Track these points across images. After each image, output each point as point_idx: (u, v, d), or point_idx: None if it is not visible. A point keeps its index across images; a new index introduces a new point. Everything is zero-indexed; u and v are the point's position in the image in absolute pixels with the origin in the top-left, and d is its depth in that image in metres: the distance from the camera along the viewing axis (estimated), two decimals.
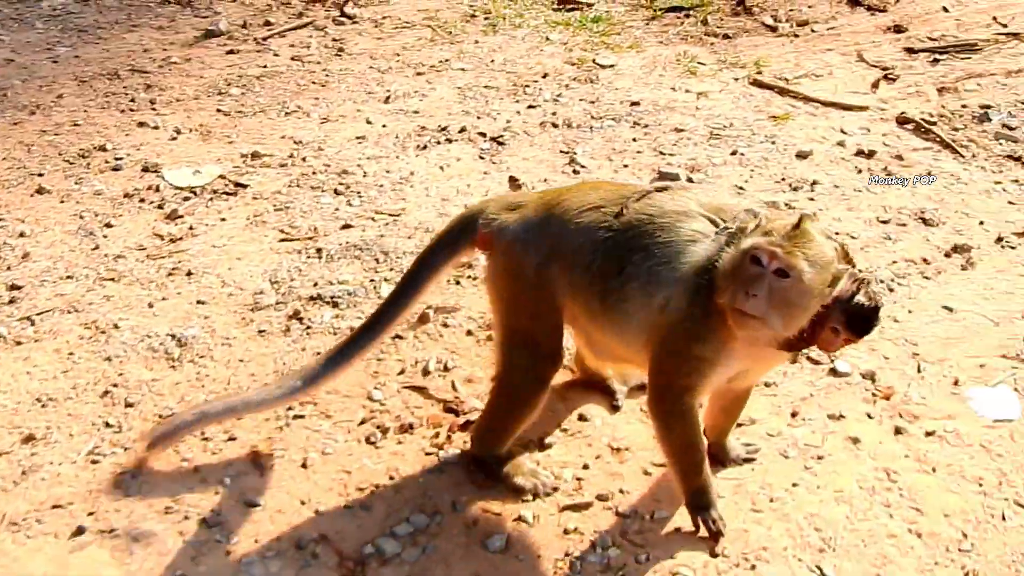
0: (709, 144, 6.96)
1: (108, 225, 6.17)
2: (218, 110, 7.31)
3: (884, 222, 6.26)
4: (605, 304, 4.19)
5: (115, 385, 5.00)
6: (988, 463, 4.71)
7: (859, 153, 6.96)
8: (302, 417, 4.85)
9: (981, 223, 6.30)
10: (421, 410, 4.92)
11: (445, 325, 5.40)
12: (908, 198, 6.49)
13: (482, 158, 6.77)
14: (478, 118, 7.21)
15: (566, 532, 4.34)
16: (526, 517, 4.38)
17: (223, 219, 6.16)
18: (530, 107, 7.40)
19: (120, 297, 5.58)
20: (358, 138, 6.98)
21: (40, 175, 6.65)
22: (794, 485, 4.57)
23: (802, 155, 6.88)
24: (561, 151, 6.85)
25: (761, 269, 3.72)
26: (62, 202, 6.39)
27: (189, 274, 5.73)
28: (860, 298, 3.77)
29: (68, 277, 5.73)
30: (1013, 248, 6.09)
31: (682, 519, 4.38)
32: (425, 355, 5.22)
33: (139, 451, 4.61)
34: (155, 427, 4.63)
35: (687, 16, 8.87)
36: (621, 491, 4.54)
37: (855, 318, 3.80)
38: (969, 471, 4.67)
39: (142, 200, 6.38)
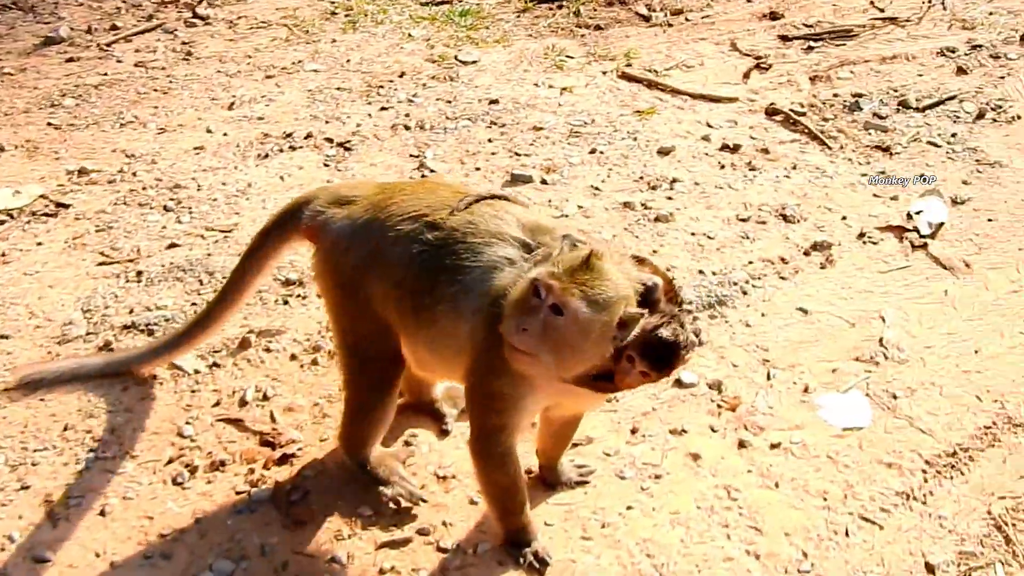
0: (568, 143, 6.75)
1: None
2: (48, 124, 6.94)
3: (743, 220, 6.10)
4: (419, 321, 3.98)
5: None
6: (834, 475, 4.56)
7: (724, 148, 6.80)
8: (104, 459, 4.55)
9: (844, 218, 6.16)
10: (235, 445, 4.65)
11: (267, 350, 5.12)
12: (770, 194, 6.34)
13: (327, 165, 6.49)
14: (326, 122, 6.93)
15: (382, 572, 4.10)
16: (339, 558, 4.15)
17: (39, 243, 5.82)
18: (383, 109, 7.14)
19: None
20: (196, 149, 6.66)
21: None
22: (628, 508, 4.39)
23: (664, 151, 6.70)
24: (411, 155, 6.60)
25: (540, 302, 3.51)
26: None
27: None
28: (663, 332, 3.56)
29: None
30: (875, 244, 5.96)
31: (506, 552, 4.17)
32: (244, 384, 4.95)
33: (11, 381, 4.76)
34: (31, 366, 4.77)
35: (559, 7, 8.65)
36: (444, 523, 4.33)
37: (653, 355, 3.58)
38: (813, 485, 4.52)
39: None
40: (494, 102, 7.19)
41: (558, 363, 3.56)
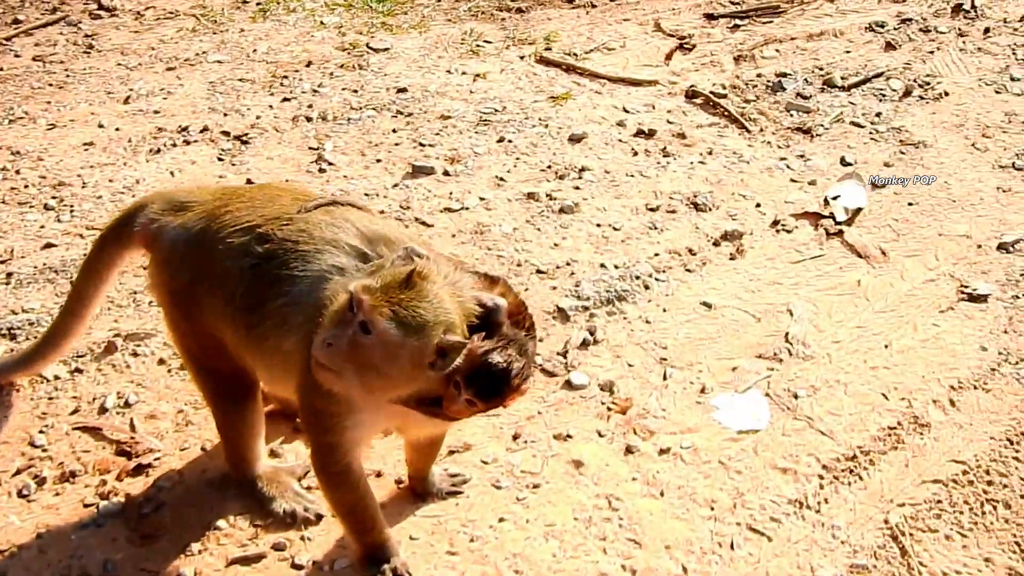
0: (476, 131, 6.51)
1: None
2: None
3: (653, 210, 5.87)
4: (250, 338, 3.73)
5: None
6: (724, 482, 4.34)
7: (639, 133, 6.56)
8: None
9: (758, 205, 5.94)
10: (89, 455, 4.41)
11: (134, 354, 4.88)
12: (683, 181, 6.11)
13: (221, 159, 6.25)
14: (225, 115, 6.68)
15: None
16: (185, 575, 3.91)
17: None
18: (285, 100, 6.88)
19: None
20: (85, 144, 6.40)
21: None
22: (501, 520, 4.16)
23: (575, 139, 6.47)
24: (310, 147, 6.35)
25: (353, 316, 3.26)
26: None
27: None
28: (493, 358, 3.32)
29: None
30: (789, 232, 5.74)
31: (364, 569, 3.95)
32: (106, 390, 4.70)
33: None
34: None
35: None
36: (303, 538, 4.09)
37: (480, 384, 3.32)
38: (701, 493, 4.29)
39: None
40: (402, 91, 6.94)
41: (364, 384, 3.31)
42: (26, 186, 6.03)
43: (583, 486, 4.32)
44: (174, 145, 6.37)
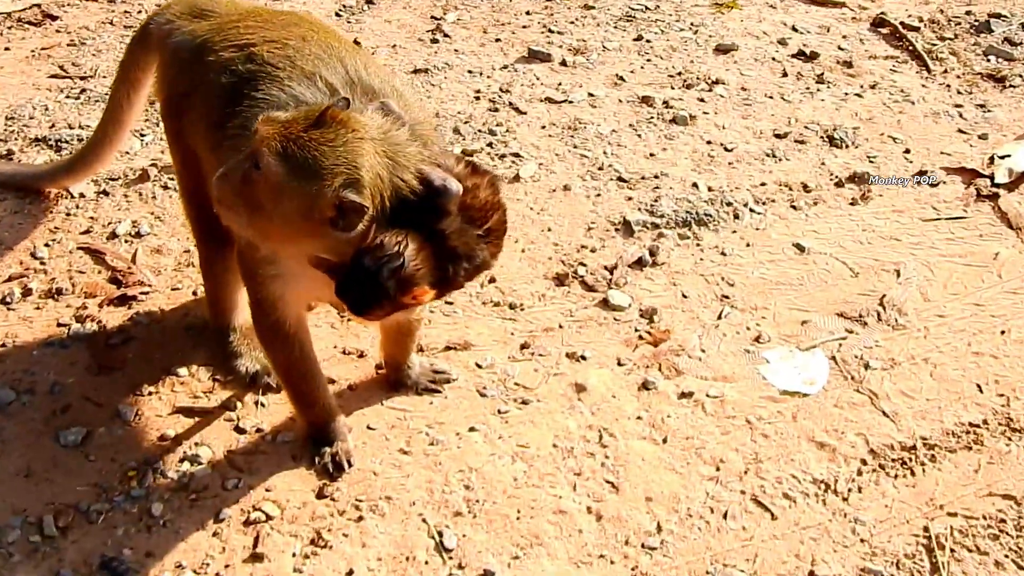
0: (615, 26, 5.95)
1: None
2: None
3: (779, 136, 5.16)
4: (211, 161, 3.45)
5: None
6: (743, 443, 3.73)
7: (799, 54, 5.81)
8: None
9: (907, 151, 5.10)
10: (83, 276, 4.30)
11: (164, 187, 4.73)
12: (828, 112, 5.34)
13: (339, 15, 6.01)
14: None
15: (162, 439, 3.65)
16: (125, 414, 3.73)
17: (7, 48, 5.67)
18: None
19: None
20: None
21: None
22: (471, 430, 3.74)
23: (723, 49, 5.80)
24: (433, 16, 6.00)
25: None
26: None
27: None
28: (366, 257, 2.85)
29: None
30: (933, 186, 4.90)
31: (306, 448, 3.64)
32: (123, 216, 4.58)
33: None
34: None
35: None
36: (257, 403, 3.84)
37: (346, 284, 2.91)
38: (711, 450, 3.70)
39: None
40: None
41: (257, 228, 2.98)
42: (139, 12, 6.03)
43: (577, 413, 3.81)
44: None
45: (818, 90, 5.52)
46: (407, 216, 2.94)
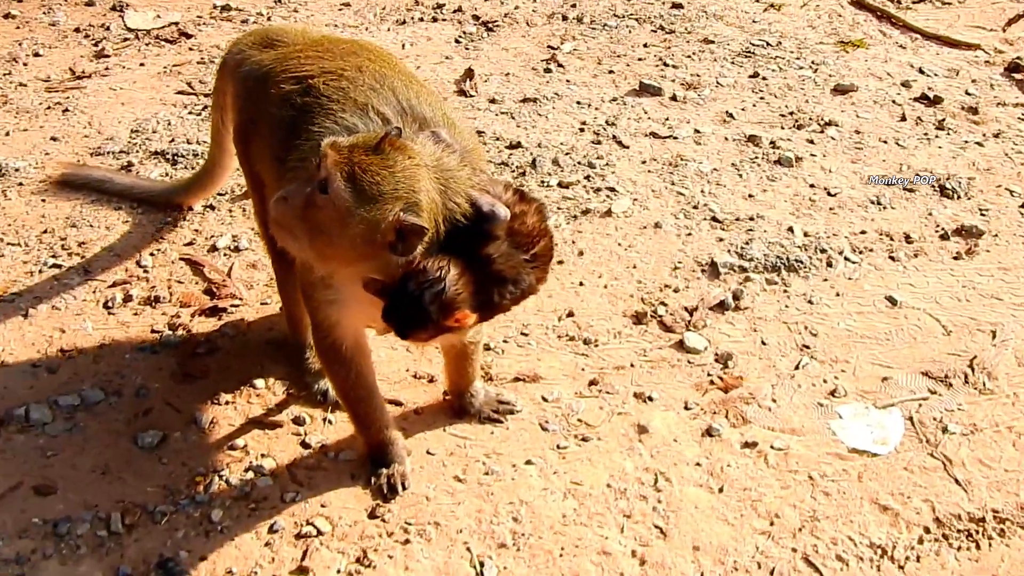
0: (733, 62, 5.96)
1: (36, 55, 6.27)
2: None
3: (888, 184, 5.06)
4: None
5: None
6: (802, 499, 3.69)
7: (922, 98, 5.68)
8: (59, 267, 4.67)
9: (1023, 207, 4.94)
10: (182, 286, 4.59)
11: None
12: (943, 160, 5.22)
13: (458, 41, 6.19)
14: (486, 0, 6.60)
15: (232, 448, 3.86)
16: (201, 421, 3.96)
17: (141, 64, 6.07)
18: None
19: None
20: (342, 5, 6.62)
21: (20, 1, 6.89)
22: (527, 463, 3.82)
23: (841, 90, 5.73)
24: (549, 46, 6.12)
25: (317, 173, 3.03)
26: (17, 28, 6.57)
27: (66, 111, 5.69)
28: (411, 280, 3.00)
29: None
30: None
31: (365, 468, 3.80)
32: (225, 231, 4.87)
33: (51, 175, 5.09)
34: (69, 166, 5.11)
35: None
36: (326, 420, 4.01)
37: (392, 303, 3.06)
38: (768, 503, 3.68)
39: (86, 36, 6.43)
40: (677, 6, 6.51)
41: (316, 251, 3.13)
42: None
43: (635, 454, 3.85)
44: (421, 20, 6.42)
45: (936, 136, 5.40)
46: (457, 241, 3.09)
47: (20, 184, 5.15)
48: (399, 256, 3.02)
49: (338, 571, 3.44)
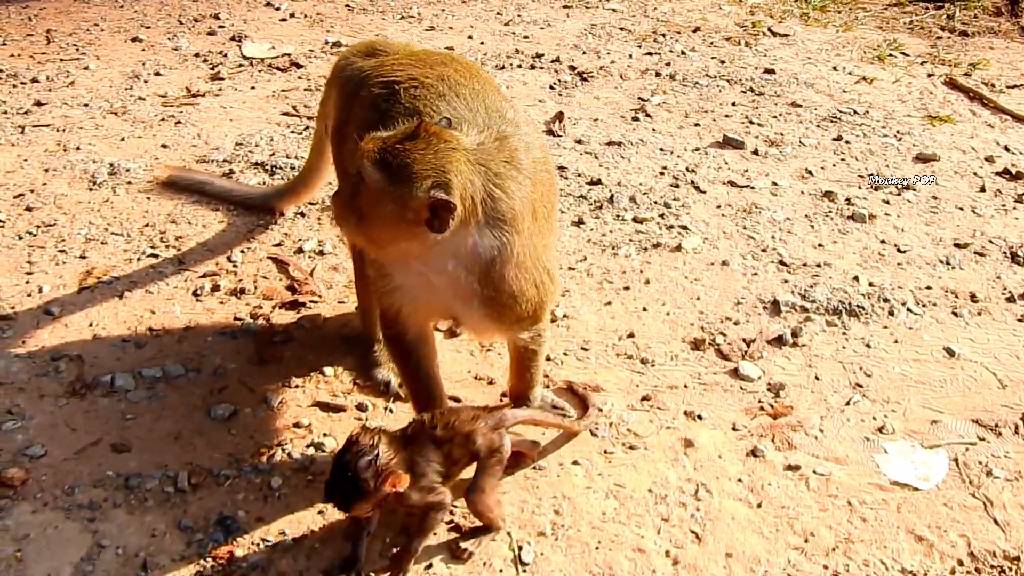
0: (818, 125, 6.24)
1: (157, 73, 6.85)
2: (347, 5, 7.76)
3: (960, 246, 5.26)
4: None
5: (31, 190, 5.59)
6: (839, 522, 3.86)
7: (1003, 172, 5.87)
8: (156, 257, 5.11)
9: None
10: (266, 282, 4.99)
11: None
12: (1018, 230, 5.39)
13: (552, 87, 6.60)
14: (583, 53, 7.02)
15: (297, 426, 4.20)
16: (271, 400, 4.30)
17: (252, 87, 6.59)
18: (647, 54, 7.07)
19: (108, 127, 6.20)
20: (448, 47, 7.09)
21: (147, 27, 7.53)
22: (574, 463, 4.06)
23: (923, 158, 5.96)
24: (640, 97, 6.49)
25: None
26: (143, 50, 7.19)
27: (178, 123, 6.22)
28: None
29: (84, 105, 6.47)
30: None
31: None
32: (311, 236, 5.27)
33: (158, 176, 5.57)
34: (175, 170, 5.59)
35: (938, 7, 7.90)
36: (387, 409, 4.32)
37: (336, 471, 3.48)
38: (805, 522, 3.86)
39: (204, 60, 7.00)
40: (769, 71, 6.83)
41: (368, 237, 3.44)
42: None
43: (679, 466, 4.07)
44: (519, 66, 6.84)
45: (1015, 208, 5.58)
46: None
47: (129, 183, 5.65)
48: (435, 233, 3.30)
49: (385, 540, 3.70)
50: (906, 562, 3.71)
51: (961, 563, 3.72)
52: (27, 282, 4.89)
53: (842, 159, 5.96)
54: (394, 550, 3.63)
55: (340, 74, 4.35)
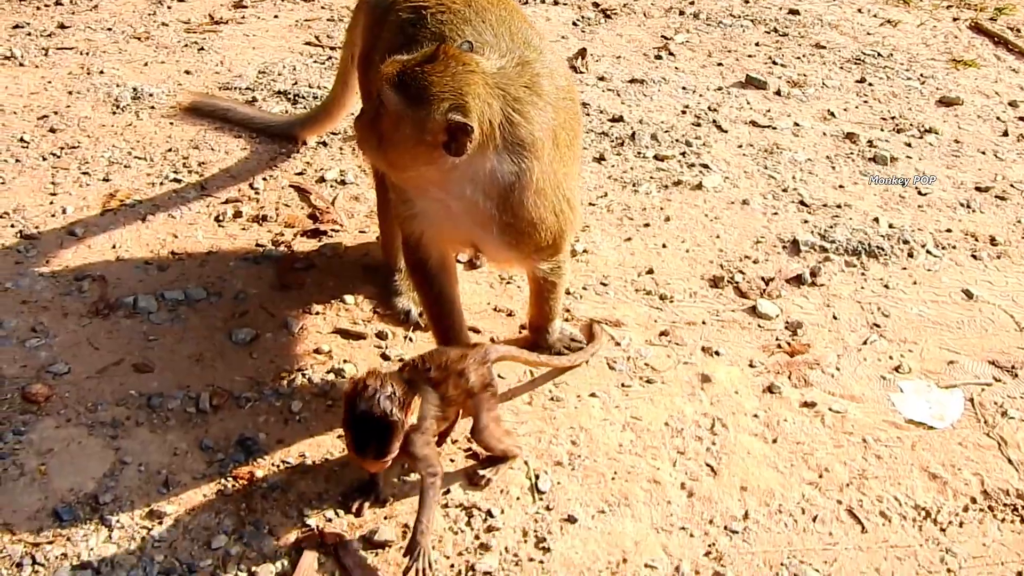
0: (841, 67, 6.15)
1: (181, 0, 6.78)
2: None
3: (981, 189, 5.21)
4: None
5: (55, 112, 5.55)
6: (853, 458, 3.85)
7: None
8: (178, 182, 5.08)
9: None
10: (288, 209, 4.96)
11: None
12: None
13: (575, 24, 6.51)
14: None
15: (317, 351, 4.19)
16: (291, 325, 4.29)
17: (276, 16, 6.51)
18: None
19: (131, 52, 6.14)
20: None
21: None
22: (591, 395, 4.06)
23: (946, 102, 5.88)
24: (663, 36, 6.40)
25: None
26: None
27: (201, 49, 6.16)
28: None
29: (108, 29, 6.40)
30: None
31: None
32: (333, 165, 5.23)
33: (181, 102, 5.52)
34: (198, 96, 5.57)
35: None
36: (407, 337, 4.31)
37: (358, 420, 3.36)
38: (819, 458, 3.85)
39: None
40: (794, 12, 6.73)
41: (388, 160, 3.42)
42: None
43: (696, 400, 4.06)
44: (542, 2, 6.75)
45: None
46: None
47: (152, 108, 5.61)
48: (453, 156, 3.27)
49: (403, 467, 3.70)
50: (920, 499, 3.71)
51: (974, 501, 3.72)
52: (51, 203, 4.87)
53: (864, 101, 5.88)
54: (410, 476, 3.64)
55: (365, 3, 4.29)
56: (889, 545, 3.55)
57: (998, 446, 3.93)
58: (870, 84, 6.04)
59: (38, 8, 6.71)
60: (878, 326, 4.43)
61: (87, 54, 6.15)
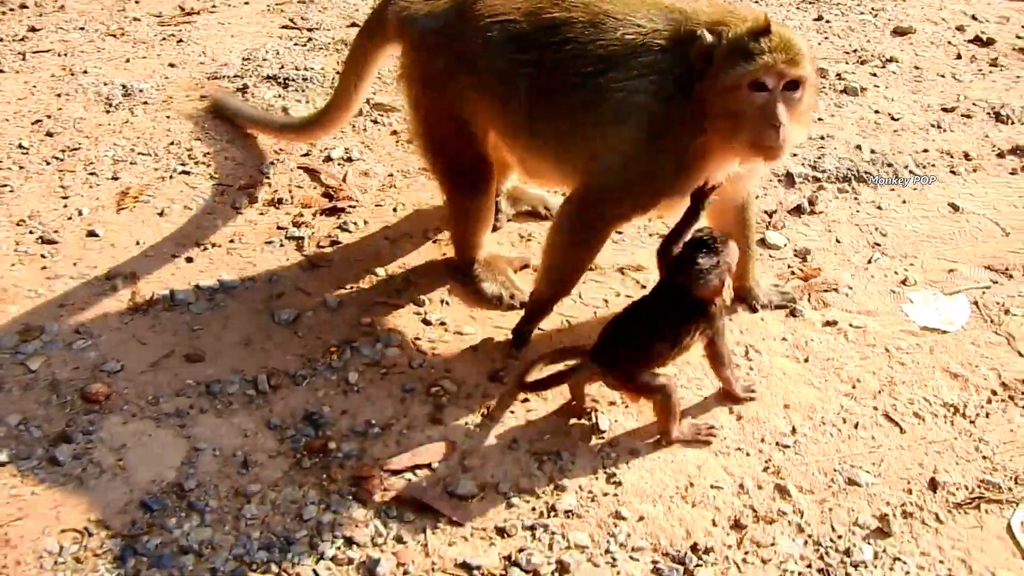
0: (797, 7, 6.33)
1: None
2: None
3: (947, 110, 5.43)
4: (535, 128, 3.94)
5: (48, 116, 5.47)
6: (880, 367, 4.05)
7: (975, 40, 6.05)
8: (188, 174, 5.06)
9: None
10: (301, 190, 4.97)
11: (374, 121, 5.39)
12: (998, 92, 5.58)
13: None
14: None
15: (360, 323, 4.24)
16: (331, 302, 4.32)
17: (246, 3, 6.48)
18: None
19: (110, 49, 6.06)
20: None
21: None
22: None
23: (900, 31, 6.10)
24: None
25: (766, 95, 3.44)
26: None
27: (180, 41, 6.10)
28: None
29: (81, 28, 6.30)
30: None
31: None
32: (337, 143, 5.26)
33: (204, 105, 5.52)
34: (220, 97, 5.51)
35: None
36: (443, 302, 4.36)
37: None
38: (849, 370, 4.04)
39: None
40: None
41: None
42: None
43: (726, 330, 4.21)
44: None
45: (990, 72, 5.76)
46: None
47: (145, 103, 5.56)
48: None
49: (466, 423, 3.80)
50: (946, 396, 3.92)
51: (995, 392, 3.94)
52: (64, 206, 4.82)
53: (826, 38, 6.07)
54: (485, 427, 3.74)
55: (409, 26, 4.12)
56: (927, 441, 3.76)
57: (1007, 342, 4.16)
58: (827, 21, 6.23)
59: (3, 13, 6.57)
60: (878, 245, 4.63)
61: (65, 55, 6.05)
